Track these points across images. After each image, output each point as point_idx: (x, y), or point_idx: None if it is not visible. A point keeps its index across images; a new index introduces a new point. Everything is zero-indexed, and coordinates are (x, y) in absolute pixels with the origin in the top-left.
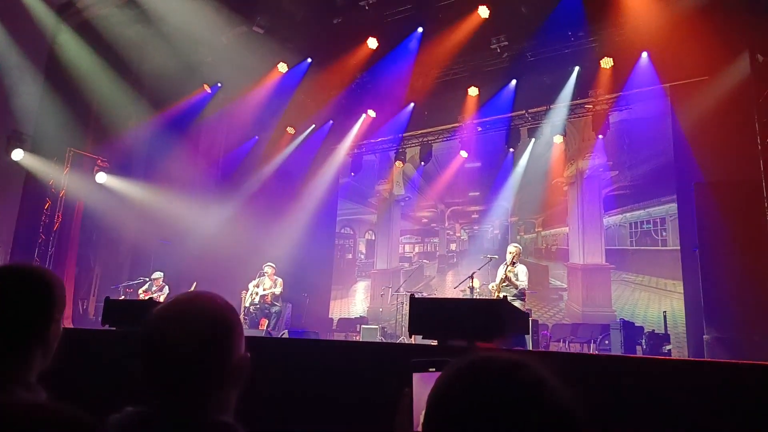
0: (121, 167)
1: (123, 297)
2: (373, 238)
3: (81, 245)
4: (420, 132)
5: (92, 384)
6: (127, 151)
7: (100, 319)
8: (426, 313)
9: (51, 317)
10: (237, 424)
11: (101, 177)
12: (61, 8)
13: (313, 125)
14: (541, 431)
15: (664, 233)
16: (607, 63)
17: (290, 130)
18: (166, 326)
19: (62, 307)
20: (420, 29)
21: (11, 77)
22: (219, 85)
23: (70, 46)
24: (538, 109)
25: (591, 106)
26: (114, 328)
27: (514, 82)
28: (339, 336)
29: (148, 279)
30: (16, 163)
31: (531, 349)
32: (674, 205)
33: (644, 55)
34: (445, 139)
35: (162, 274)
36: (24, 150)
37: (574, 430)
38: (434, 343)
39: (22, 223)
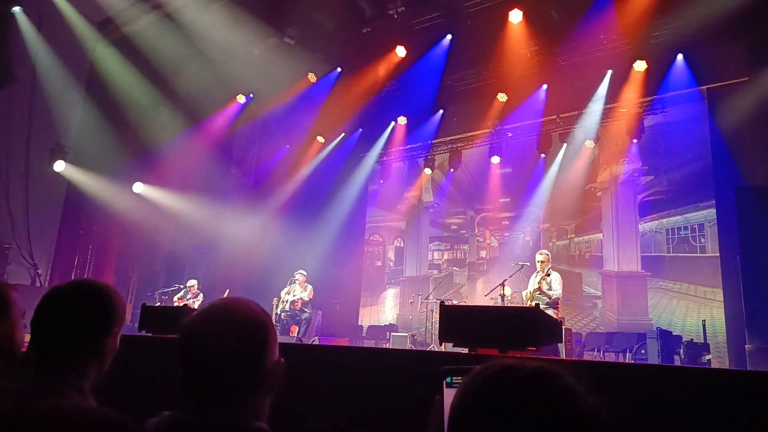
0: (158, 177)
1: (159, 304)
2: (402, 245)
3: (119, 254)
4: (449, 138)
5: (131, 388)
6: (163, 161)
7: (136, 325)
8: (456, 320)
9: (109, 331)
10: (270, 430)
11: (138, 187)
12: (101, 24)
13: (343, 134)
14: None
15: (702, 239)
16: (640, 66)
17: (320, 139)
18: (202, 332)
19: (121, 322)
20: (449, 36)
21: (55, 92)
22: (251, 95)
23: (109, 60)
24: (570, 113)
25: (625, 110)
26: (150, 334)
27: (545, 86)
28: (369, 343)
29: (183, 286)
30: (58, 174)
31: (564, 358)
32: (713, 211)
33: (679, 57)
34: (474, 145)
35: (196, 281)
36: (65, 162)
37: None
38: (465, 351)
39: (63, 232)
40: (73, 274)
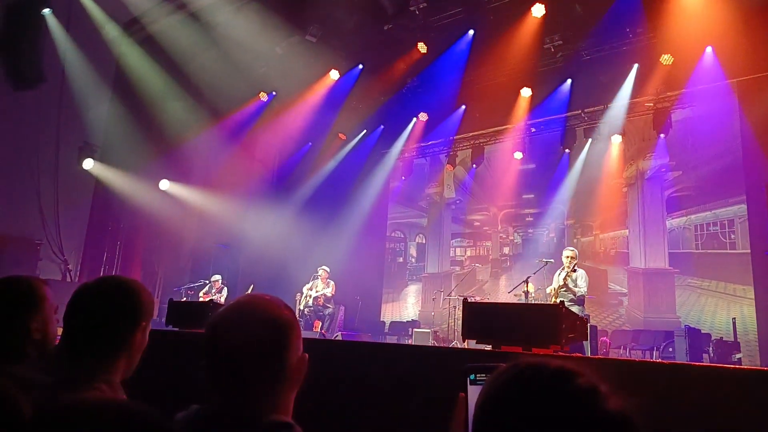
0: (182, 174)
1: (184, 299)
2: (424, 241)
3: (145, 250)
4: (471, 134)
5: (160, 382)
6: (188, 158)
7: (163, 320)
8: (480, 317)
9: (137, 326)
10: (295, 424)
11: (164, 184)
12: (127, 24)
13: (365, 130)
14: None
15: (732, 236)
16: (668, 60)
17: (342, 136)
18: (228, 328)
19: (149, 317)
20: (471, 32)
21: (83, 92)
22: (273, 93)
23: (135, 60)
24: (595, 108)
25: (651, 104)
26: (177, 329)
27: (569, 81)
28: (391, 339)
29: (207, 281)
30: (86, 172)
31: (589, 356)
32: (743, 206)
33: (708, 49)
34: (497, 141)
35: (220, 276)
36: (94, 160)
37: None
38: (488, 347)
39: (92, 229)
40: (102, 269)
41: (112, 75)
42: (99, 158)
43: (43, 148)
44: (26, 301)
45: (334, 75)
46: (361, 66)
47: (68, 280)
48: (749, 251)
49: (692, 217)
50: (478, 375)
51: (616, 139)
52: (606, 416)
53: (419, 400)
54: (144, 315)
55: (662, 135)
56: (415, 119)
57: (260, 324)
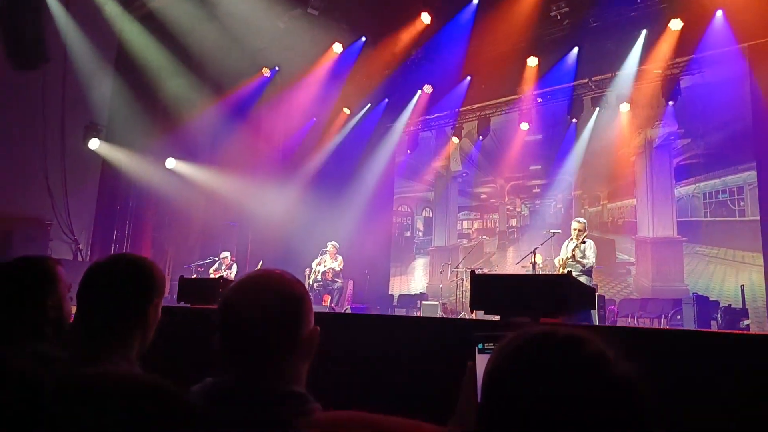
0: (188, 153)
1: (194, 275)
2: (431, 215)
3: (154, 228)
4: (477, 106)
5: (174, 356)
6: (193, 137)
7: (175, 296)
8: (488, 288)
9: (149, 302)
10: (309, 394)
11: (170, 162)
12: (127, 1)
13: (369, 104)
14: (602, 405)
15: (741, 203)
16: (676, 24)
17: (346, 110)
18: (241, 302)
19: (161, 293)
20: (475, 0)
21: (86, 71)
22: (276, 69)
23: (136, 37)
24: (603, 76)
25: (660, 72)
26: (189, 305)
27: (576, 49)
28: (400, 312)
29: (217, 258)
30: (93, 152)
31: (597, 324)
32: (753, 173)
33: (719, 13)
34: (503, 112)
35: (229, 253)
36: (99, 139)
37: (636, 404)
38: (496, 318)
39: (101, 209)
40: (112, 248)
41: (114, 53)
42: (104, 138)
43: (49, 128)
44: (41, 280)
45: (337, 48)
46: (364, 39)
47: (79, 259)
48: (759, 218)
49: (701, 185)
50: (485, 344)
51: (624, 108)
52: (614, 381)
53: (429, 369)
54: (156, 292)
55: (671, 102)
56: (419, 92)
57: (273, 298)
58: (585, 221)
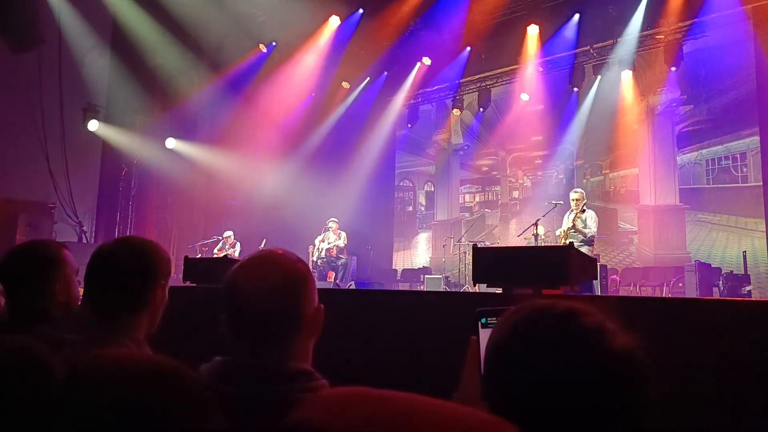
0: (188, 132)
1: (199, 255)
2: (433, 189)
3: (158, 209)
4: (477, 77)
5: (182, 336)
6: (192, 115)
7: (180, 276)
8: (490, 261)
9: (156, 284)
10: (315, 371)
11: (170, 142)
12: None
13: (368, 78)
14: (601, 376)
15: (744, 169)
16: None
17: (345, 84)
18: (246, 281)
19: (167, 275)
20: None
21: (81, 52)
22: (274, 44)
23: (131, 15)
24: (604, 43)
25: (662, 37)
26: (195, 285)
27: (576, 16)
28: (403, 286)
29: (220, 237)
30: (92, 133)
31: (600, 294)
32: (756, 139)
33: None
34: (504, 82)
35: (232, 232)
36: (99, 121)
37: (635, 374)
38: (499, 291)
39: (103, 190)
40: (116, 230)
41: (110, 33)
42: (103, 119)
43: (47, 111)
44: (49, 264)
45: (335, 21)
46: (361, 10)
47: (84, 241)
48: (761, 184)
49: (704, 151)
50: (489, 318)
51: (626, 75)
52: (612, 354)
53: (433, 344)
54: (162, 274)
55: (673, 68)
56: (419, 64)
57: (276, 276)
58: (582, 191)
